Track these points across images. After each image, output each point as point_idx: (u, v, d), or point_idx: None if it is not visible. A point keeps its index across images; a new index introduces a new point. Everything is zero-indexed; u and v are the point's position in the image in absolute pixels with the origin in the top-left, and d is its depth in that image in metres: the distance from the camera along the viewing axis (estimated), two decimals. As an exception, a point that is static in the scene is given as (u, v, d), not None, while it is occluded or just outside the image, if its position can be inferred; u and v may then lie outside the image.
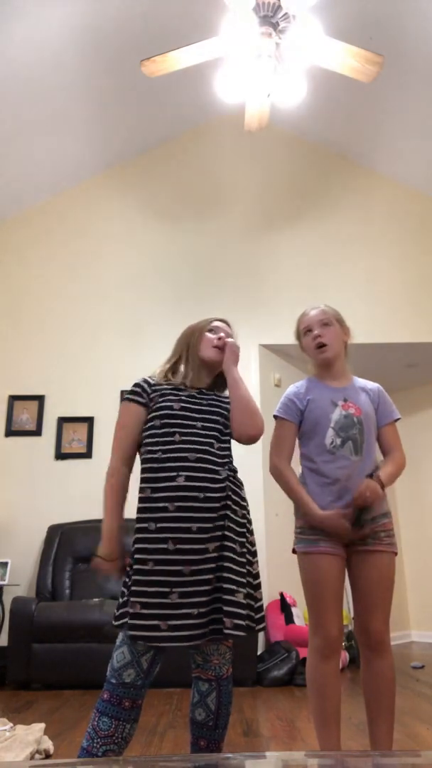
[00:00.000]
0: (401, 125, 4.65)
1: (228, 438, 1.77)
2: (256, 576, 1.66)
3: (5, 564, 4.02)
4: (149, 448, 1.67)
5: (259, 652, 3.75)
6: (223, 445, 1.74)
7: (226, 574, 1.53)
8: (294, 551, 1.91)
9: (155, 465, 1.63)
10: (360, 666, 1.87)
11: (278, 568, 4.26)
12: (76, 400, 4.60)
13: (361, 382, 2.04)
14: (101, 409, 4.52)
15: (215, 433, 1.72)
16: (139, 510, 1.62)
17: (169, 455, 1.63)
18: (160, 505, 1.57)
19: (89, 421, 4.55)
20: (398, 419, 2.01)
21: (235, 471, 1.74)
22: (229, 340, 1.83)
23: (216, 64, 3.34)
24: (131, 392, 1.77)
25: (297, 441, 2.01)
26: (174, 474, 1.60)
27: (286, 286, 4.90)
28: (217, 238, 5.09)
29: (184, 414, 1.71)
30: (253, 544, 1.74)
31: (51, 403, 4.61)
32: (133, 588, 1.53)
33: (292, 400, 2.00)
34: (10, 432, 4.52)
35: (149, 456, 1.66)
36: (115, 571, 1.66)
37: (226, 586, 1.52)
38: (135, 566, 1.56)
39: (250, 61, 3.11)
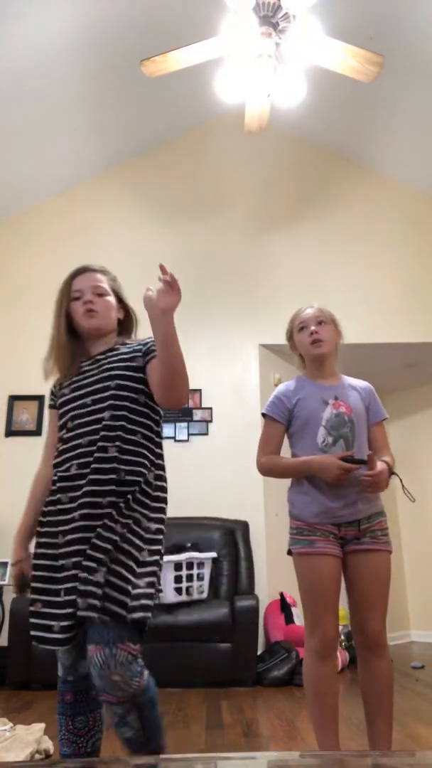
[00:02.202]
0: (401, 125, 4.65)
1: (137, 400, 1.53)
2: (147, 564, 1.42)
3: (5, 564, 4.02)
4: (58, 444, 1.57)
5: (259, 652, 3.75)
6: (120, 413, 1.50)
7: (89, 552, 1.36)
8: (289, 552, 1.91)
9: (56, 460, 1.53)
10: (358, 666, 1.87)
11: (278, 568, 4.26)
12: (76, 400, 4.60)
13: (350, 380, 2.06)
14: (101, 409, 4.52)
15: (107, 401, 1.51)
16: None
17: (64, 446, 1.52)
18: (55, 498, 1.49)
19: (89, 421, 4.55)
20: (386, 418, 2.04)
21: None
22: (147, 293, 1.42)
23: (216, 64, 3.33)
24: (50, 398, 1.69)
25: (288, 440, 2.02)
26: (67, 465, 1.49)
27: (286, 286, 4.90)
28: (217, 238, 5.09)
29: (74, 396, 1.56)
30: (156, 532, 1.47)
31: (51, 403, 4.61)
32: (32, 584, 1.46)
33: (281, 398, 2.01)
34: (10, 432, 4.52)
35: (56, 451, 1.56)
36: (13, 578, 1.55)
37: (85, 563, 1.35)
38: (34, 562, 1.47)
39: (250, 61, 3.11)
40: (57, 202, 5.18)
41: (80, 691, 1.46)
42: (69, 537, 1.42)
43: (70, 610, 1.34)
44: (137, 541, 1.41)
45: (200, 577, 3.73)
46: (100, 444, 1.46)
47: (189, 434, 4.59)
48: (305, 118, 4.91)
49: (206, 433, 4.62)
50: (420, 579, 5.58)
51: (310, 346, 2.00)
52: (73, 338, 1.63)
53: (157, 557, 1.45)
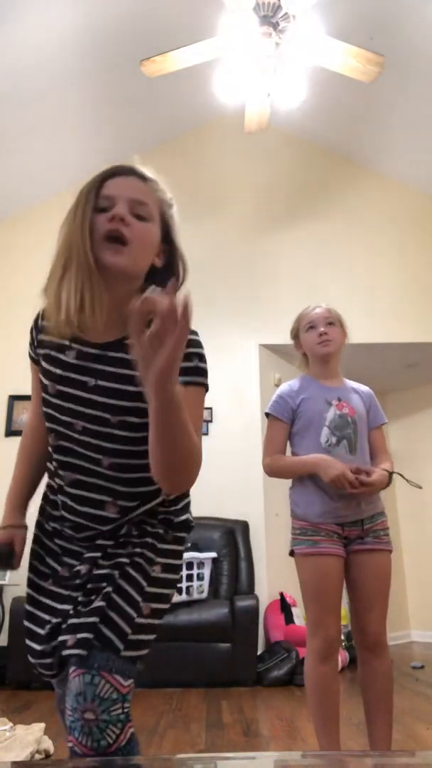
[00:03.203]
0: (402, 125, 4.65)
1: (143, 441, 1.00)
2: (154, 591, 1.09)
3: (5, 564, 4.02)
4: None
5: (259, 652, 3.75)
6: (127, 462, 1.07)
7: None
8: (291, 553, 1.90)
9: (49, 469, 1.17)
10: (358, 666, 1.87)
11: (278, 568, 4.26)
12: (76, 400, 4.60)
13: (352, 384, 2.06)
14: (101, 409, 4.52)
15: (107, 444, 1.07)
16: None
17: (49, 467, 1.16)
18: (41, 527, 1.17)
19: (89, 421, 4.56)
20: (385, 423, 2.05)
21: (157, 498, 1.10)
22: (158, 304, 0.80)
23: (216, 64, 3.33)
24: (30, 344, 1.20)
25: (289, 440, 2.01)
26: (54, 498, 1.13)
27: (286, 286, 4.90)
28: (217, 238, 5.09)
29: (59, 404, 1.08)
30: (143, 571, 1.08)
31: (51, 403, 4.61)
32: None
33: (284, 398, 2.00)
34: (10, 432, 4.52)
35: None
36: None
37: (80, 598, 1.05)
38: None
39: (250, 61, 3.11)
40: (57, 202, 5.15)
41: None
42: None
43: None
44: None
45: (200, 577, 3.73)
46: (95, 496, 1.08)
47: (189, 434, 4.60)
48: (305, 118, 4.90)
49: (206, 433, 4.62)
50: (420, 579, 5.57)
51: (318, 345, 2.00)
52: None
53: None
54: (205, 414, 4.63)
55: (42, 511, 1.18)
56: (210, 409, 4.66)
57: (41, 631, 1.07)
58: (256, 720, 2.77)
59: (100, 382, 1.07)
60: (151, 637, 1.07)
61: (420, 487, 2.04)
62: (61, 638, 1.00)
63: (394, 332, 4.84)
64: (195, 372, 1.07)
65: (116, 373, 1.07)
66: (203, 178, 5.22)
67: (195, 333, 1.12)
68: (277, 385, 2.04)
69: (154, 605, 1.06)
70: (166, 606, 1.10)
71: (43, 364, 1.12)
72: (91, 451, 1.07)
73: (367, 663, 1.82)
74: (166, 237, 1.13)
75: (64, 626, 1.01)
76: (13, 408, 4.58)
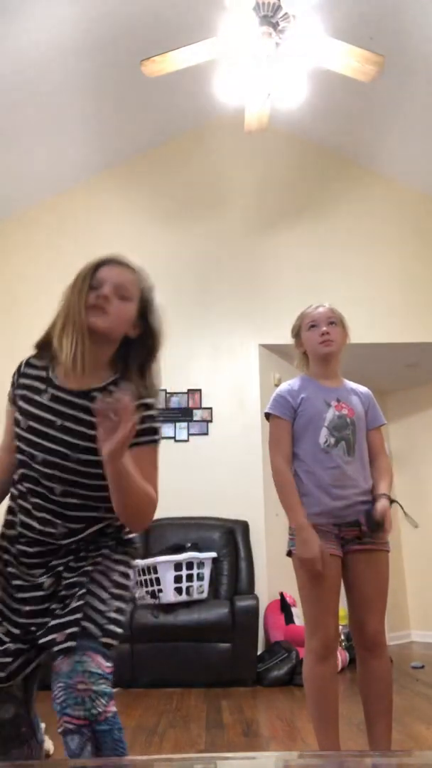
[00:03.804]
0: (401, 125, 4.65)
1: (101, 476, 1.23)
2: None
3: None
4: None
5: (259, 652, 3.75)
6: (72, 489, 1.28)
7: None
8: (289, 553, 1.90)
9: (13, 493, 1.35)
10: (357, 666, 1.87)
11: (278, 568, 4.26)
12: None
13: (351, 384, 2.06)
14: (101, 409, 4.52)
15: (60, 474, 1.27)
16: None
17: (13, 490, 1.34)
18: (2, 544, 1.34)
19: (89, 421, 4.56)
20: (384, 424, 2.04)
21: (106, 526, 1.33)
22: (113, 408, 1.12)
23: (216, 64, 3.33)
24: (12, 381, 1.42)
25: None
26: (13, 518, 1.32)
27: (286, 286, 4.90)
28: (217, 238, 5.09)
29: (28, 437, 1.29)
30: (108, 576, 1.30)
31: (51, 403, 4.61)
32: None
33: (285, 397, 2.00)
34: (10, 432, 4.52)
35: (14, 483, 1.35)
36: None
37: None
38: None
39: (250, 61, 3.11)
40: (57, 202, 5.17)
41: (9, 734, 1.34)
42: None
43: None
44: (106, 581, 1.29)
45: (200, 577, 3.73)
46: (47, 517, 1.29)
47: (189, 434, 4.59)
48: (305, 118, 4.90)
49: (206, 433, 4.62)
50: (420, 579, 5.57)
51: (320, 345, 1.99)
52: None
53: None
54: (205, 414, 4.64)
55: (1, 535, 1.37)
56: (210, 409, 4.66)
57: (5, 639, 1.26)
58: (256, 720, 2.77)
59: (66, 423, 1.29)
60: (120, 630, 1.24)
61: (416, 526, 2.04)
62: (47, 638, 1.18)
63: (394, 332, 4.84)
64: (148, 432, 1.32)
65: (80, 418, 1.29)
66: (203, 178, 5.22)
67: (150, 401, 1.35)
68: (277, 385, 2.03)
69: (117, 603, 1.26)
70: (125, 605, 1.29)
71: (20, 403, 1.34)
72: (46, 480, 1.28)
73: (366, 663, 1.82)
74: (143, 315, 1.39)
75: (40, 631, 1.21)
76: (13, 408, 4.58)
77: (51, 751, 2.22)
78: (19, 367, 1.40)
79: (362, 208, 5.18)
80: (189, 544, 3.92)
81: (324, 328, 1.98)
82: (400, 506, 2.02)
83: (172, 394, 4.67)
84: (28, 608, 1.27)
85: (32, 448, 1.29)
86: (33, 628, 1.25)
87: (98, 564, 1.28)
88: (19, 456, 1.32)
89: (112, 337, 1.35)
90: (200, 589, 3.72)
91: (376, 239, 5.10)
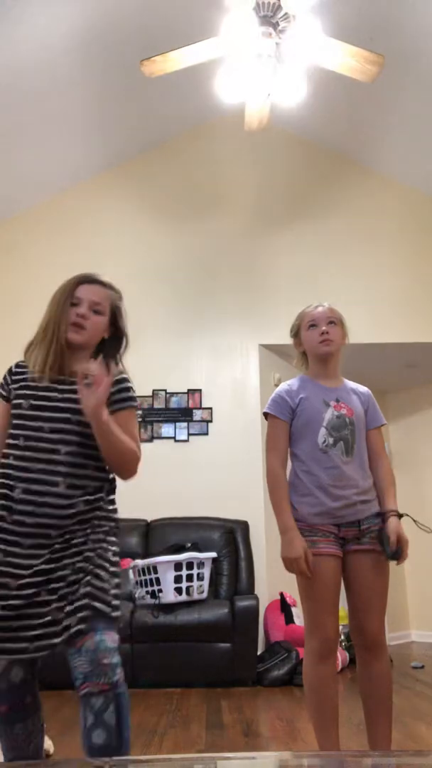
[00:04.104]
0: (401, 125, 4.65)
1: (92, 436, 1.52)
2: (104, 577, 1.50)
3: None
4: (4, 449, 1.57)
5: (259, 652, 3.75)
6: (75, 449, 1.52)
7: (60, 592, 1.44)
8: None
9: (3, 463, 1.55)
10: (357, 666, 1.87)
11: (278, 568, 4.24)
12: (76, 400, 4.60)
13: (351, 384, 2.06)
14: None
15: (64, 436, 1.52)
16: None
17: (11, 461, 1.52)
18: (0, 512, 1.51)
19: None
20: (384, 425, 2.03)
21: (100, 484, 1.57)
22: (86, 380, 1.46)
23: (216, 64, 3.33)
24: (1, 384, 1.65)
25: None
26: (12, 483, 1.50)
27: (286, 286, 4.90)
28: (217, 237, 5.09)
29: (32, 414, 1.55)
30: (105, 558, 1.52)
31: (51, 403, 4.61)
32: None
33: (284, 397, 1.99)
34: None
35: (2, 459, 1.56)
36: None
37: (72, 577, 1.45)
38: None
39: (250, 61, 3.11)
40: (57, 202, 5.18)
41: (15, 700, 1.52)
42: (23, 560, 1.45)
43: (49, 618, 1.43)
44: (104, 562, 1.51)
45: (200, 577, 3.73)
46: (51, 478, 1.50)
47: (189, 434, 4.59)
48: (305, 118, 4.90)
49: (206, 433, 4.62)
50: (420, 579, 5.57)
51: (319, 344, 1.99)
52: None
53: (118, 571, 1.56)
54: (205, 414, 4.64)
55: None
56: (210, 409, 4.66)
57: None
58: (256, 720, 2.77)
59: (64, 395, 1.57)
60: (119, 602, 1.50)
61: (429, 531, 2.04)
62: (65, 623, 1.41)
63: (394, 332, 4.84)
64: (126, 399, 1.62)
65: (74, 391, 1.55)
66: (203, 178, 5.22)
67: (125, 377, 1.66)
68: (277, 386, 2.02)
69: (116, 580, 1.52)
70: (120, 580, 1.55)
71: (19, 391, 1.59)
72: (52, 443, 1.52)
73: (365, 663, 1.82)
74: (114, 321, 1.69)
75: (60, 615, 1.42)
76: (13, 408, 4.58)
77: (51, 751, 2.22)
78: (10, 369, 1.65)
79: (362, 208, 5.18)
80: (189, 544, 3.92)
81: (324, 328, 1.98)
82: (411, 518, 2.01)
83: (172, 394, 4.67)
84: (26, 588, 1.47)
85: (37, 421, 1.54)
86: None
87: (97, 548, 1.51)
88: (20, 431, 1.55)
89: (89, 345, 1.64)
90: (200, 589, 3.72)
91: (376, 239, 5.10)
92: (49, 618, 1.42)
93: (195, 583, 3.70)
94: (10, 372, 1.64)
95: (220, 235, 5.09)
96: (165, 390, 4.69)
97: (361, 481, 1.90)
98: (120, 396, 1.59)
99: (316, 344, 1.99)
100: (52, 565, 1.45)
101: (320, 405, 1.94)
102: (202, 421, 4.63)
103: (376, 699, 1.79)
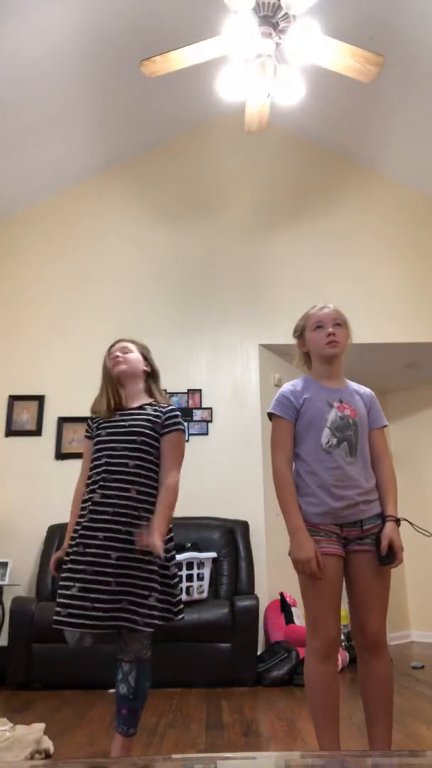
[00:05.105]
0: (401, 125, 4.65)
1: (153, 453, 2.06)
2: (172, 576, 2.00)
3: (5, 564, 4.02)
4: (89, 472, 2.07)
5: (259, 652, 3.75)
6: (140, 462, 2.02)
7: (133, 580, 1.87)
8: (291, 553, 1.90)
9: (88, 483, 2.04)
10: (358, 666, 1.87)
11: (278, 568, 4.26)
12: (76, 400, 4.59)
13: (354, 385, 2.06)
14: (101, 409, 4.52)
15: (132, 453, 2.02)
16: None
17: (95, 477, 2.01)
18: (83, 513, 1.97)
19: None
20: (386, 426, 2.03)
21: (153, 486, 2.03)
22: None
23: (216, 64, 3.33)
24: (86, 430, 2.20)
25: None
26: (95, 487, 1.99)
27: (286, 286, 4.90)
28: (217, 238, 5.09)
29: (110, 439, 2.06)
30: (169, 550, 2.02)
31: (51, 403, 4.61)
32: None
33: (288, 398, 1.99)
34: (10, 432, 4.52)
35: (88, 478, 2.06)
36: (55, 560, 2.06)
37: (137, 591, 1.87)
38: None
39: (250, 60, 3.11)
40: (57, 202, 5.18)
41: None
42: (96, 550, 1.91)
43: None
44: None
45: (200, 577, 3.73)
46: (123, 485, 1.97)
47: (189, 434, 4.59)
48: (305, 118, 4.91)
49: (206, 433, 4.62)
50: (420, 579, 5.57)
51: (325, 345, 1.98)
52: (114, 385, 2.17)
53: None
54: (205, 414, 4.64)
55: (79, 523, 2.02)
56: (210, 409, 4.66)
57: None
58: (256, 720, 2.77)
59: (131, 422, 2.09)
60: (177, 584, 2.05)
61: (429, 535, 2.04)
62: (118, 614, 1.86)
63: (394, 332, 4.84)
64: (174, 424, 2.12)
65: (135, 417, 2.12)
66: (203, 178, 5.22)
67: (173, 407, 2.21)
68: (278, 385, 2.03)
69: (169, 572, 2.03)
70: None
71: (98, 430, 2.11)
72: (123, 458, 2.02)
73: (366, 663, 1.82)
74: (146, 358, 2.26)
75: (118, 605, 1.86)
76: (13, 408, 4.58)
77: (51, 751, 2.22)
78: (88, 421, 2.19)
79: (362, 208, 5.19)
80: (189, 544, 3.92)
81: (330, 329, 1.98)
82: (410, 523, 2.00)
83: (172, 394, 4.67)
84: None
85: (113, 443, 2.04)
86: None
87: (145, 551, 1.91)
88: (100, 453, 2.05)
89: (136, 373, 2.20)
90: (200, 589, 3.72)
91: (376, 239, 5.10)
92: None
93: (195, 583, 3.70)
94: (90, 419, 2.18)
95: (220, 235, 5.09)
96: (165, 390, 4.68)
97: (364, 482, 1.90)
98: (170, 422, 2.11)
99: (322, 345, 1.99)
100: (122, 554, 1.91)
101: (324, 406, 1.94)
102: (202, 421, 4.63)
103: (376, 699, 1.79)
